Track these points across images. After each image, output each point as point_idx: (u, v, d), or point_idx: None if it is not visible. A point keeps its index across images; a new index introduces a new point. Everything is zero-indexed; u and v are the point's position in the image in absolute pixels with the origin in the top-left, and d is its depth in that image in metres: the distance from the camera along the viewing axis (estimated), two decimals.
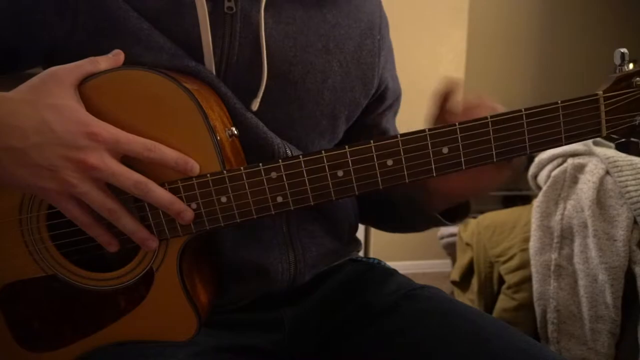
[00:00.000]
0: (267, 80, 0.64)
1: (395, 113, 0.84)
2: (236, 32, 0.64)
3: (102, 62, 0.58)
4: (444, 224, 0.73)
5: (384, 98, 0.79)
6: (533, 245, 1.53)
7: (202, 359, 0.62)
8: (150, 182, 0.55)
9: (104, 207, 0.55)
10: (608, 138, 0.57)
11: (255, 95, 0.64)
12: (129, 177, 0.54)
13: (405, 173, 0.57)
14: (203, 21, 0.61)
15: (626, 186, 1.40)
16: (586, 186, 1.44)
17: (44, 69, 0.69)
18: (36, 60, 0.67)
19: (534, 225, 1.54)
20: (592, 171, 1.45)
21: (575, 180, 1.50)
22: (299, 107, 0.68)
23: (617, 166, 1.43)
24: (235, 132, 0.61)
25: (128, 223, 0.56)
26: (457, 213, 0.73)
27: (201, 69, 0.62)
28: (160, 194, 0.56)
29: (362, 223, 0.86)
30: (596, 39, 3.45)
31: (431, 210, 0.71)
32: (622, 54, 0.55)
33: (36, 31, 0.62)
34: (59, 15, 0.62)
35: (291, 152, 0.67)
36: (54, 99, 0.54)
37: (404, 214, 0.79)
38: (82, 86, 0.57)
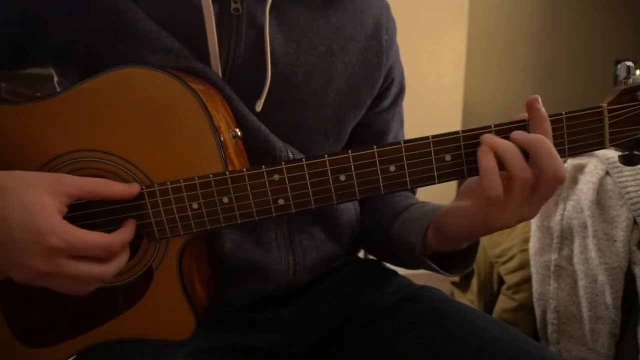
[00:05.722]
0: (270, 82, 0.64)
1: (395, 115, 0.82)
2: (241, 33, 0.64)
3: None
4: (437, 271, 0.67)
5: (383, 97, 0.78)
6: (533, 245, 1.53)
7: (200, 358, 0.62)
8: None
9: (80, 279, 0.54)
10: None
11: (258, 97, 0.64)
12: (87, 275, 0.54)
13: (408, 179, 0.57)
14: (209, 24, 0.61)
15: (626, 187, 1.40)
16: (586, 187, 1.44)
17: (53, 67, 0.69)
18: (45, 58, 0.67)
19: (533, 226, 1.54)
20: (592, 172, 1.45)
21: (575, 181, 1.50)
22: (302, 109, 0.68)
23: (617, 167, 1.42)
24: (239, 133, 0.61)
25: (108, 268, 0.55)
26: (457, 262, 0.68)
27: (207, 71, 0.62)
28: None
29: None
30: (596, 40, 3.45)
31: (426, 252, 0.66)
32: (628, 67, 0.55)
33: (47, 30, 0.62)
34: (71, 15, 0.61)
35: (293, 156, 0.67)
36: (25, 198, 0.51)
37: (402, 258, 0.74)
38: (90, 82, 0.57)
